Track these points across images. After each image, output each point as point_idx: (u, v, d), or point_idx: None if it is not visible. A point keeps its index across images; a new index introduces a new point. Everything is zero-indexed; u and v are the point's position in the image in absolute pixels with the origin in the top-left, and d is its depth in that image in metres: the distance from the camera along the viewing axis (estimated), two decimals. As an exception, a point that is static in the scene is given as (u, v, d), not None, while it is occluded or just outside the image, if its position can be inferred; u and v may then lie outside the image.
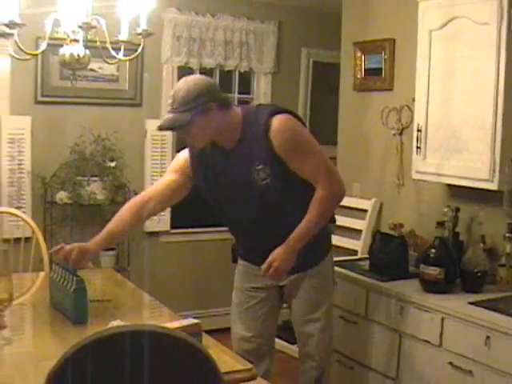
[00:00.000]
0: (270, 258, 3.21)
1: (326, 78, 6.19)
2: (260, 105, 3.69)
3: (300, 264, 3.35)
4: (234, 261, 3.71)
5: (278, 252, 3.20)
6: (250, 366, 2.71)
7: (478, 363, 3.28)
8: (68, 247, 3.21)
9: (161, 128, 3.25)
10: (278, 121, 3.18)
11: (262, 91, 6.19)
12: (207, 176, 3.37)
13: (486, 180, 3.61)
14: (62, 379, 1.88)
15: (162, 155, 5.71)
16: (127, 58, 3.49)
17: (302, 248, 3.22)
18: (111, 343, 1.90)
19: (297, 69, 6.35)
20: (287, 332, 4.86)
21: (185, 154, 3.47)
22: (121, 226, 3.45)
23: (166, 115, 3.21)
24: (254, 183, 3.25)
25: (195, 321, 2.77)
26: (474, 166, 3.68)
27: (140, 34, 3.36)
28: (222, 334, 3.67)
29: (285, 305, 3.68)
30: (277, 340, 4.98)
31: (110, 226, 3.44)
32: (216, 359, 2.07)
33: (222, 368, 2.12)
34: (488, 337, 3.21)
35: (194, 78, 3.21)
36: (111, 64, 3.89)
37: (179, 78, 5.68)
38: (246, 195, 3.31)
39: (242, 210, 3.37)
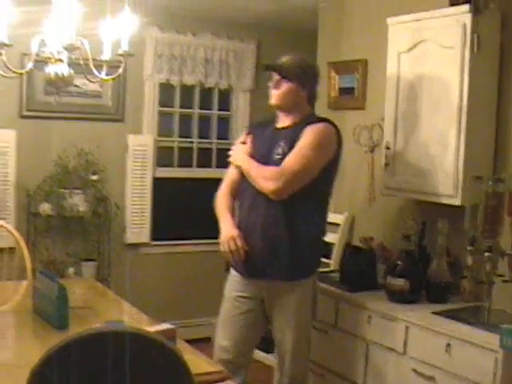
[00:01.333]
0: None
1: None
2: (321, 117, 3.95)
3: (283, 271, 3.56)
4: (227, 270, 3.90)
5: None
6: (221, 368, 2.87)
7: (439, 369, 3.44)
8: (239, 242, 3.59)
9: (267, 66, 3.83)
10: (318, 124, 3.62)
11: (241, 108, 6.38)
12: (259, 150, 3.72)
13: (450, 196, 3.80)
14: (43, 376, 2.04)
15: (142, 169, 5.87)
16: (109, 77, 3.64)
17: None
18: (92, 342, 2.06)
19: (275, 86, 6.50)
20: (264, 342, 5.02)
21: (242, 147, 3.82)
22: (230, 211, 3.78)
23: (282, 58, 3.73)
24: (271, 157, 3.60)
25: (171, 326, 2.93)
26: (440, 182, 3.86)
27: (121, 54, 3.53)
28: (200, 343, 3.80)
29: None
30: (256, 351, 5.16)
31: (228, 212, 3.76)
32: (189, 362, 2.22)
33: (194, 370, 2.27)
34: (449, 344, 3.38)
35: (313, 63, 3.87)
36: (93, 82, 4.04)
37: (161, 94, 5.91)
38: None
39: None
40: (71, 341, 2.05)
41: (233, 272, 3.81)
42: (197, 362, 2.78)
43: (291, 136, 3.60)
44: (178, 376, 2.19)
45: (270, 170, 3.54)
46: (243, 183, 3.75)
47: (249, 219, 3.63)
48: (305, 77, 3.67)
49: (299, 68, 3.65)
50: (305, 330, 3.79)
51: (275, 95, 3.70)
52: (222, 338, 3.81)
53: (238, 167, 3.72)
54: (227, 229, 3.64)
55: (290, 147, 3.56)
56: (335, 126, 3.69)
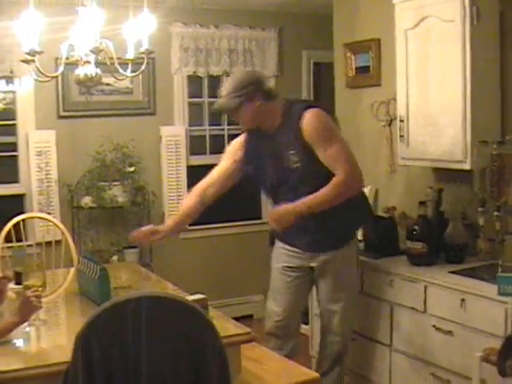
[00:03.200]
0: (274, 209, 3.78)
1: (326, 77, 6.60)
2: (297, 100, 4.16)
3: (325, 246, 3.88)
4: (272, 243, 4.17)
5: (283, 206, 3.71)
6: (248, 330, 3.14)
7: (456, 324, 3.70)
8: (143, 228, 4.01)
9: (212, 110, 4.01)
10: (309, 113, 3.72)
11: (267, 93, 6.60)
12: (256, 158, 3.91)
13: (460, 161, 4.03)
14: (86, 339, 2.33)
15: (176, 158, 6.14)
16: (133, 74, 3.93)
17: (302, 213, 3.67)
18: (127, 307, 2.33)
19: (298, 70, 6.74)
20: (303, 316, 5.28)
21: (238, 140, 4.03)
22: (186, 212, 4.09)
23: (219, 100, 3.84)
24: (288, 167, 3.78)
25: (203, 296, 3.23)
26: (450, 149, 4.09)
27: (143, 52, 3.81)
28: (244, 320, 4.03)
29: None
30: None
31: (178, 213, 4.15)
32: (219, 326, 2.48)
33: (223, 332, 2.54)
34: (463, 299, 3.63)
35: (244, 71, 3.94)
36: (120, 80, 4.32)
37: (189, 86, 6.18)
38: (279, 175, 3.84)
39: (283, 192, 3.86)
40: (109, 306, 2.34)
41: (279, 244, 4.08)
42: (226, 326, 3.07)
43: (293, 138, 3.74)
44: (205, 334, 2.43)
45: (338, 180, 3.67)
46: (265, 189, 4.07)
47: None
48: (245, 92, 3.73)
49: (233, 92, 3.73)
50: (355, 292, 4.10)
51: (243, 123, 3.90)
52: (274, 305, 4.10)
53: (300, 214, 3.71)
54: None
55: (303, 150, 3.73)
56: (321, 107, 3.84)
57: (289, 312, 4.07)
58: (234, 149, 4.04)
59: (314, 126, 3.71)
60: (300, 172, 3.77)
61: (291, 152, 3.76)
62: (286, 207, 3.71)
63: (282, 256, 4.06)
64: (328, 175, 3.72)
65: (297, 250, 3.98)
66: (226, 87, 3.79)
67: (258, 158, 3.92)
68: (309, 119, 3.71)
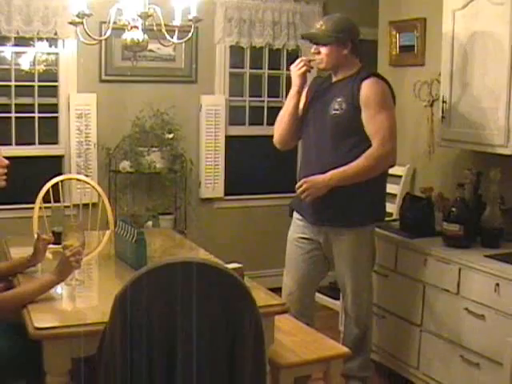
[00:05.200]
0: (304, 179, 3.78)
1: (368, 54, 6.55)
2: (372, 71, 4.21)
3: (338, 217, 3.88)
4: (290, 215, 4.21)
5: (313, 177, 3.77)
6: (283, 301, 3.18)
7: (489, 308, 3.69)
8: None
9: (303, 36, 4.16)
10: (374, 79, 3.87)
11: (308, 67, 6.59)
12: (311, 105, 4.03)
13: (502, 146, 4.00)
14: (125, 301, 2.37)
15: (215, 127, 6.14)
16: (180, 41, 3.94)
17: (334, 186, 3.73)
18: (166, 270, 2.37)
19: (341, 47, 6.68)
20: (333, 292, 5.32)
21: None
22: None
23: (311, 30, 4.08)
24: (328, 112, 3.89)
25: (239, 265, 3.27)
26: (492, 133, 4.06)
27: (191, 20, 3.82)
28: (277, 292, 4.04)
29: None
30: (323, 297, 5.47)
31: None
32: (255, 296, 2.51)
33: (258, 303, 2.56)
34: (497, 284, 3.62)
35: (346, 17, 4.00)
36: (166, 46, 4.33)
37: (231, 56, 6.18)
38: (320, 122, 3.94)
39: (315, 136, 3.97)
40: (147, 270, 2.37)
41: (295, 215, 4.12)
42: (261, 296, 3.09)
43: (347, 91, 3.86)
44: (245, 306, 2.47)
45: (372, 152, 3.76)
46: (305, 134, 4.04)
47: (310, 169, 3.91)
48: (341, 36, 3.88)
49: (332, 31, 3.87)
50: (362, 277, 4.08)
51: (318, 60, 3.96)
52: (287, 278, 4.13)
53: (333, 185, 3.79)
54: None
55: (348, 102, 3.83)
56: (386, 81, 3.95)
57: (301, 286, 4.11)
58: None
59: (373, 90, 3.83)
60: (336, 121, 3.85)
61: (338, 99, 3.87)
62: (319, 178, 3.74)
63: (297, 227, 4.12)
64: (360, 143, 3.80)
65: (305, 221, 4.04)
66: (323, 21, 3.96)
67: (312, 105, 4.03)
68: (371, 83, 3.85)
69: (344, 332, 4.29)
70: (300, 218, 4.08)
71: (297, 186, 3.85)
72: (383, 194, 4.10)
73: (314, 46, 3.96)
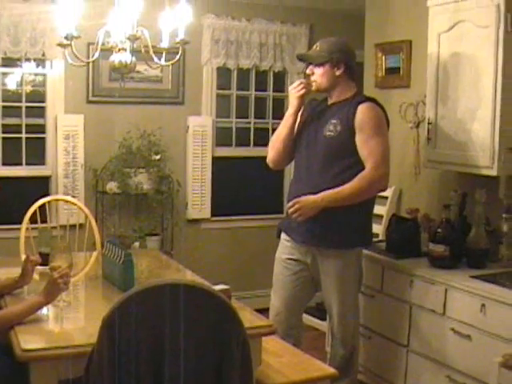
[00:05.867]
0: (296, 199, 3.80)
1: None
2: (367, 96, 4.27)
3: (323, 237, 3.89)
4: (278, 236, 4.22)
5: (305, 197, 3.78)
6: (270, 322, 3.18)
7: (475, 328, 3.70)
8: None
9: (297, 56, 4.31)
10: (370, 104, 3.91)
11: (295, 89, 6.62)
12: (305, 125, 4.07)
13: (487, 167, 4.03)
14: (113, 323, 2.37)
15: (202, 148, 6.17)
16: (168, 63, 3.96)
17: (325, 206, 3.75)
18: (152, 293, 2.38)
19: (328, 68, 6.74)
20: (320, 312, 5.32)
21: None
22: None
23: (309, 51, 4.15)
24: (322, 133, 3.92)
25: (226, 286, 3.27)
26: (477, 155, 4.09)
27: (178, 42, 3.85)
28: (263, 314, 4.04)
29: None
30: (310, 318, 5.48)
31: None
32: (242, 317, 2.51)
33: (245, 324, 2.56)
34: (483, 304, 3.64)
35: (344, 40, 4.05)
36: (153, 69, 4.35)
37: (218, 77, 6.22)
38: (313, 143, 3.96)
39: (307, 157, 3.99)
40: (135, 292, 2.38)
41: (283, 236, 4.13)
42: (248, 317, 3.10)
43: (343, 113, 3.89)
44: (230, 324, 2.47)
45: (365, 174, 3.79)
46: (297, 155, 4.07)
47: (300, 189, 3.93)
48: (337, 57, 3.91)
49: (326, 51, 3.92)
50: (349, 299, 4.07)
51: (315, 83, 3.99)
52: (275, 298, 4.14)
53: (325, 206, 3.81)
54: None
55: (343, 124, 3.86)
56: (382, 107, 3.98)
57: (288, 306, 4.12)
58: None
59: (369, 115, 3.86)
60: (329, 142, 3.88)
61: (333, 121, 3.90)
62: (311, 198, 3.76)
63: (285, 248, 4.13)
64: (353, 165, 3.82)
65: (293, 242, 4.06)
66: (319, 42, 4.02)
67: (306, 126, 4.07)
68: (368, 107, 3.88)
69: (331, 353, 4.30)
70: (288, 238, 4.09)
71: (288, 205, 3.86)
72: (370, 218, 4.12)
73: (310, 67, 4.00)
